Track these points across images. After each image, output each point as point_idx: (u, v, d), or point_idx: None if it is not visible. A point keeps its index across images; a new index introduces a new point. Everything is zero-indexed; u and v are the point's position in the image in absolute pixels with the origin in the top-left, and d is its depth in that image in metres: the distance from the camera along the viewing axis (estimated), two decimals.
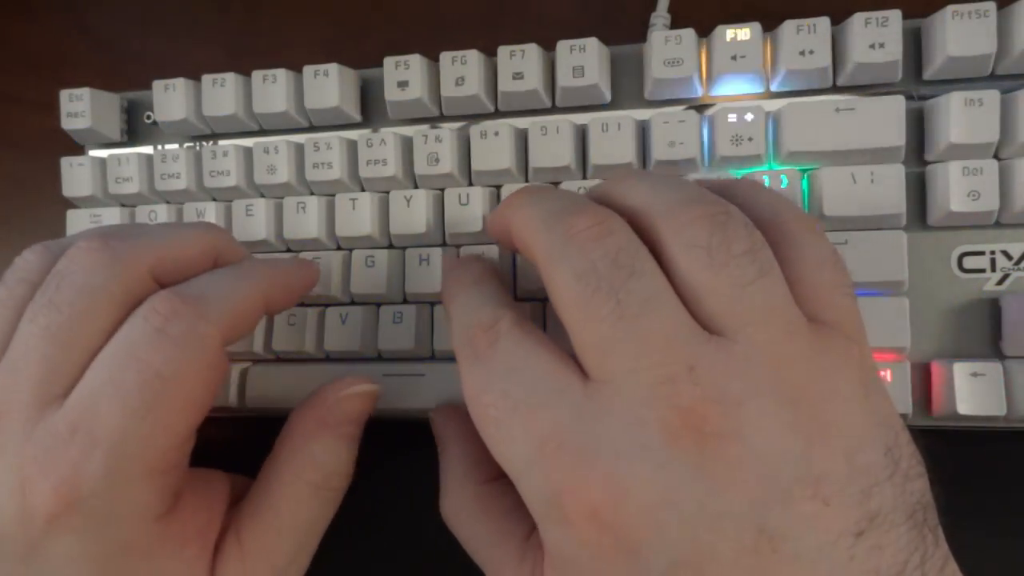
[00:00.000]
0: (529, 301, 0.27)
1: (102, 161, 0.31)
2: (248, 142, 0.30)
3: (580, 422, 0.17)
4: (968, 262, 0.25)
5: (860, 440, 0.17)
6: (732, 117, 0.26)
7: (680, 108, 0.27)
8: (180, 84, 0.30)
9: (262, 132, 0.31)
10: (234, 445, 0.24)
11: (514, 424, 0.18)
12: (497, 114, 0.29)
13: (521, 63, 0.27)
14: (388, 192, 0.29)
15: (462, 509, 0.23)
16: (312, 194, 0.29)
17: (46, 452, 0.19)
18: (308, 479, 0.24)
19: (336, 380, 0.25)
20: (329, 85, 0.29)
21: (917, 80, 0.26)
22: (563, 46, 0.27)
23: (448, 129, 0.28)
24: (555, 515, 0.17)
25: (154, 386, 0.20)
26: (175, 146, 0.32)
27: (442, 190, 0.28)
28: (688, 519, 0.16)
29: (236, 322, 0.22)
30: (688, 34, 0.26)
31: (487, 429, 0.19)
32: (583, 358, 0.18)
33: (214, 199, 0.31)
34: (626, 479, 0.16)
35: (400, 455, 0.28)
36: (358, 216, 0.28)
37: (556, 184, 0.27)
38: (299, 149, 0.29)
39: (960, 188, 0.24)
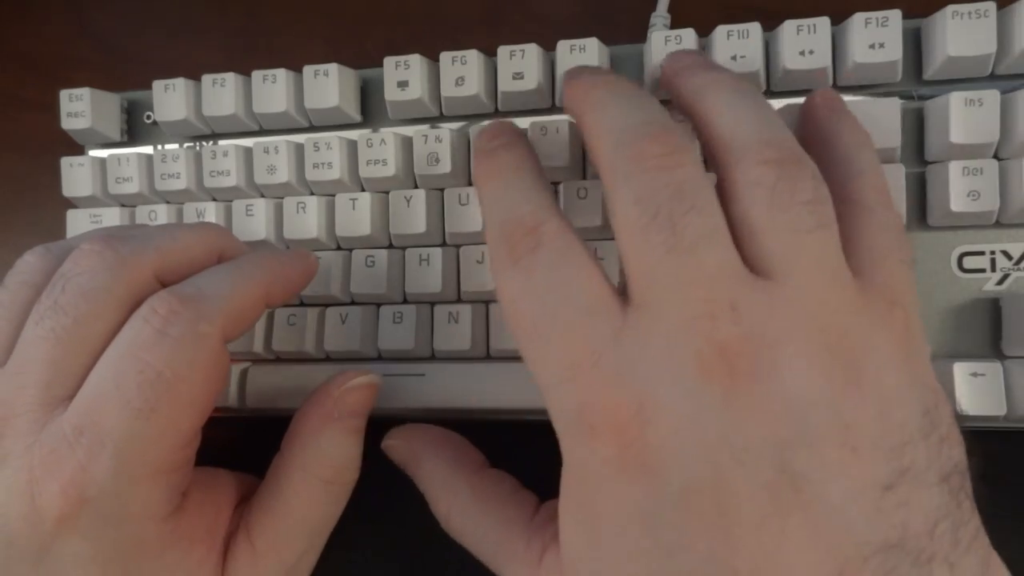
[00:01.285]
0: None
1: (102, 161, 0.31)
2: (248, 142, 0.30)
3: (617, 344, 0.17)
4: (968, 262, 0.25)
5: (896, 397, 0.17)
6: None
7: None
8: (180, 84, 0.30)
9: (262, 132, 0.31)
10: (234, 445, 0.24)
11: (551, 339, 0.18)
12: (497, 114, 0.29)
13: (521, 63, 0.27)
14: (388, 192, 0.29)
15: (461, 506, 0.23)
16: (312, 194, 0.29)
17: (53, 454, 0.19)
18: (318, 474, 0.24)
19: (338, 374, 0.25)
20: (329, 85, 0.29)
21: (917, 80, 0.26)
22: (563, 46, 0.27)
23: (448, 129, 0.28)
24: (582, 429, 0.17)
25: (156, 386, 0.20)
26: (175, 146, 0.32)
27: (442, 190, 0.28)
28: (709, 448, 0.16)
29: (236, 319, 0.22)
30: (688, 34, 0.26)
31: (522, 338, 0.19)
32: (629, 279, 0.18)
33: (214, 199, 0.31)
34: (656, 401, 0.17)
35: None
36: (358, 216, 0.28)
37: (556, 184, 0.27)
38: (299, 149, 0.29)
39: (960, 188, 0.24)
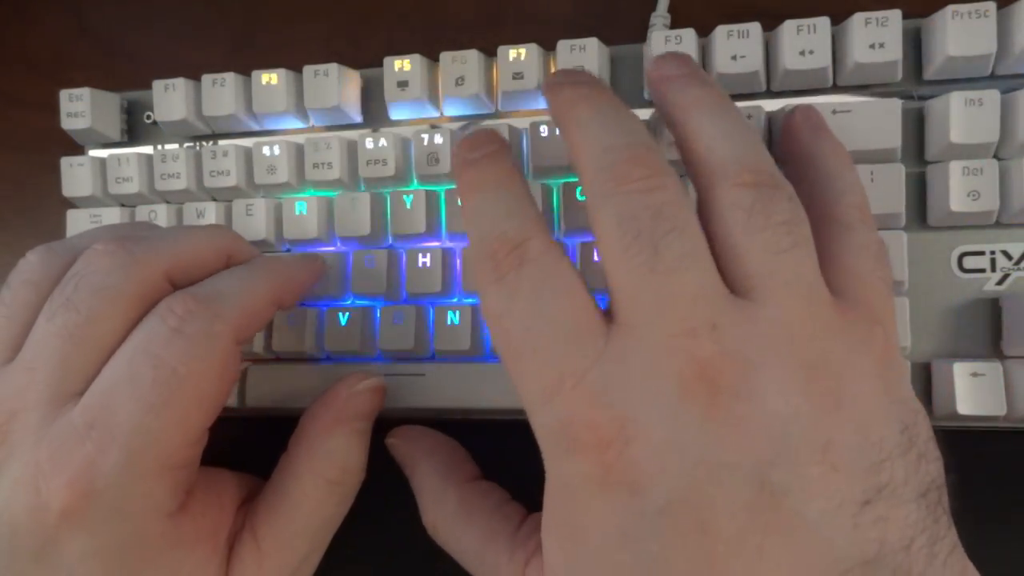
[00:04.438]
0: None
1: (102, 161, 0.31)
2: (248, 142, 0.30)
3: (600, 363, 0.17)
4: (968, 262, 0.25)
5: (874, 414, 0.17)
6: None
7: None
8: (180, 84, 0.30)
9: (262, 132, 0.31)
10: (234, 445, 0.24)
11: (535, 358, 0.18)
12: (497, 114, 0.29)
13: (521, 63, 0.27)
14: (388, 192, 0.29)
15: (447, 516, 0.23)
16: (312, 194, 0.29)
17: (61, 447, 0.20)
18: (326, 476, 0.24)
19: (346, 377, 0.26)
20: (329, 85, 0.29)
21: (917, 80, 0.26)
22: (563, 46, 0.27)
23: (448, 129, 0.28)
24: (566, 446, 0.18)
25: (170, 383, 0.20)
26: (175, 146, 0.32)
27: (442, 190, 0.28)
28: (691, 465, 0.16)
29: (249, 320, 0.23)
30: (688, 34, 0.26)
31: (506, 355, 0.19)
32: (612, 299, 0.18)
33: (214, 199, 0.31)
34: (637, 420, 0.17)
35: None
36: (358, 216, 0.28)
37: (554, 184, 0.27)
38: (299, 149, 0.29)
39: (960, 188, 0.24)
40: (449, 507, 0.23)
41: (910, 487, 0.16)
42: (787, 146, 0.24)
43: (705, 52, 0.27)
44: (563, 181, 0.27)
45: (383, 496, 0.26)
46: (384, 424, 0.27)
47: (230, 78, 0.30)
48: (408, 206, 0.28)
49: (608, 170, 0.19)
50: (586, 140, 0.20)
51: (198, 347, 0.21)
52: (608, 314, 0.19)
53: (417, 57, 0.28)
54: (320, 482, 0.24)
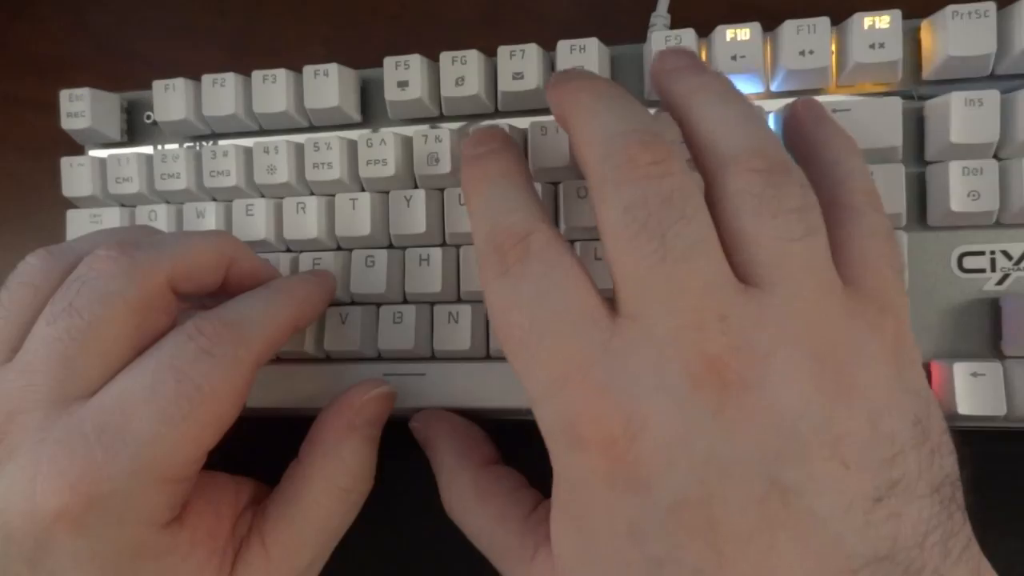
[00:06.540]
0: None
1: (102, 161, 0.31)
2: (248, 142, 0.30)
3: (606, 355, 0.17)
4: (968, 262, 0.25)
5: (886, 406, 0.17)
6: None
7: None
8: (180, 84, 0.30)
9: (262, 132, 0.31)
10: (234, 445, 0.24)
11: (540, 350, 0.18)
12: (497, 114, 0.29)
13: (521, 63, 0.27)
14: (388, 192, 0.29)
15: (462, 498, 0.24)
16: (312, 194, 0.29)
17: (64, 450, 0.19)
18: (339, 483, 0.24)
19: (357, 384, 0.26)
20: (329, 85, 0.29)
21: (917, 80, 0.26)
22: (563, 46, 0.27)
23: (448, 129, 0.28)
24: (571, 441, 0.17)
25: (192, 398, 0.20)
26: (175, 146, 0.32)
27: (442, 190, 0.28)
28: (699, 461, 0.16)
29: (271, 347, 0.23)
30: (688, 34, 0.26)
31: (511, 348, 0.19)
32: (618, 289, 0.18)
33: (214, 199, 0.31)
34: (644, 414, 0.16)
35: (399, 454, 0.28)
36: (358, 216, 0.28)
37: (555, 184, 0.27)
38: (299, 149, 0.29)
39: (960, 188, 0.24)
40: (464, 489, 0.23)
41: (923, 482, 0.16)
42: (791, 137, 0.23)
43: (705, 52, 0.27)
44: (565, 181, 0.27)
45: (376, 495, 0.26)
46: (384, 423, 0.27)
47: (230, 78, 0.30)
48: (408, 206, 0.28)
49: (614, 157, 0.18)
50: (589, 128, 0.20)
51: (223, 369, 0.21)
52: (614, 307, 0.18)
53: (417, 57, 0.28)
54: (332, 489, 0.24)
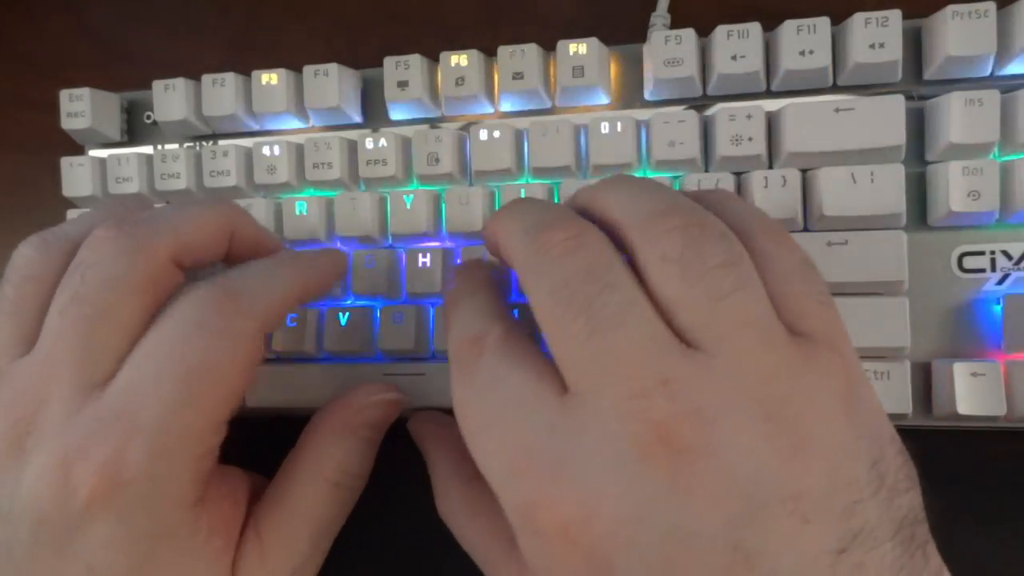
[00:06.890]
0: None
1: (102, 161, 0.31)
2: (248, 142, 0.30)
3: (553, 437, 0.17)
4: (968, 262, 0.25)
5: (842, 455, 0.16)
6: (732, 117, 0.26)
7: (680, 108, 0.27)
8: (180, 84, 0.30)
9: (262, 132, 0.31)
10: (234, 444, 0.24)
11: (491, 438, 0.18)
12: (497, 114, 0.29)
13: (521, 63, 0.27)
14: (388, 192, 0.29)
15: (452, 510, 0.24)
16: (312, 194, 0.29)
17: (89, 437, 0.20)
18: (328, 477, 0.24)
19: (364, 385, 0.26)
20: (329, 85, 0.29)
21: (917, 80, 0.26)
22: (563, 46, 0.27)
23: (448, 129, 0.28)
24: (529, 528, 0.17)
25: (197, 375, 0.20)
26: (175, 146, 0.32)
27: (442, 190, 0.28)
28: (660, 537, 0.16)
29: (274, 315, 0.23)
30: (688, 34, 0.26)
31: (469, 441, 0.19)
32: (562, 372, 0.18)
33: None
34: (597, 495, 0.16)
35: (399, 454, 0.28)
36: (358, 216, 0.28)
37: (556, 185, 0.27)
38: (299, 149, 0.29)
39: (960, 188, 0.24)
40: (454, 501, 0.24)
41: (884, 527, 0.16)
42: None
43: (705, 52, 0.27)
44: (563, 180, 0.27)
45: (376, 495, 0.26)
46: (387, 428, 0.27)
47: (230, 78, 0.30)
48: (408, 206, 0.28)
49: (531, 243, 0.19)
50: (510, 225, 0.20)
51: (223, 341, 0.21)
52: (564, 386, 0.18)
53: (417, 57, 0.28)
54: (321, 482, 0.24)
